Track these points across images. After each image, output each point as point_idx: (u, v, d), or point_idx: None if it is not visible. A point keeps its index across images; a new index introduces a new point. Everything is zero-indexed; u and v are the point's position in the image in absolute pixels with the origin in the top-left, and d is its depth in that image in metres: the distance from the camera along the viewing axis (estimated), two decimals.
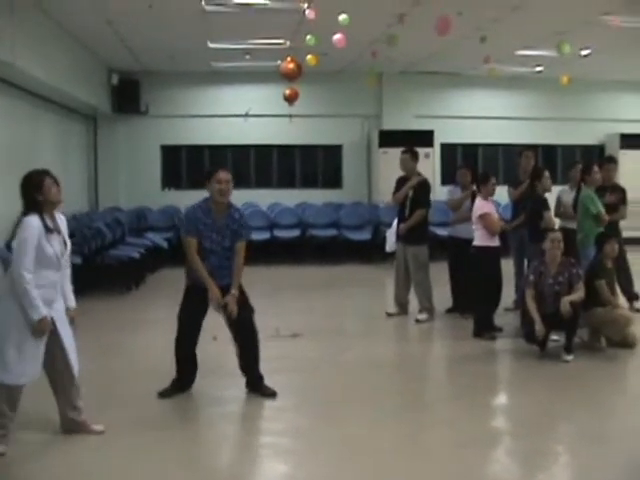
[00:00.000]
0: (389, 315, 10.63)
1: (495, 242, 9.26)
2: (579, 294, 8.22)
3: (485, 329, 9.26)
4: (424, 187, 10.47)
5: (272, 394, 7.04)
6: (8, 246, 9.15)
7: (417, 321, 10.31)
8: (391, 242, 11.27)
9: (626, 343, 8.67)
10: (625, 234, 10.78)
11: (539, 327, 8.10)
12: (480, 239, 9.26)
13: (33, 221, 5.49)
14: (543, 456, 5.68)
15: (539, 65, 16.56)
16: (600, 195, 10.00)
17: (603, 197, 10.10)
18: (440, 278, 10.82)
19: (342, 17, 10.45)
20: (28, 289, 5.41)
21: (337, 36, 10.96)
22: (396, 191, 10.56)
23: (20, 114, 12.81)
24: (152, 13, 11.57)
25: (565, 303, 8.04)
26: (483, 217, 9.16)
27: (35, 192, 5.57)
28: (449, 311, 10.72)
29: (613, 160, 11.10)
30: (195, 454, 5.74)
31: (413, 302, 10.61)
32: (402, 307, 10.69)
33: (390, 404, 7.02)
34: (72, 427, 5.94)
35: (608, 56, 15.32)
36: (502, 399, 7.54)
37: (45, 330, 5.54)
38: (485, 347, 8.96)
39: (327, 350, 8.93)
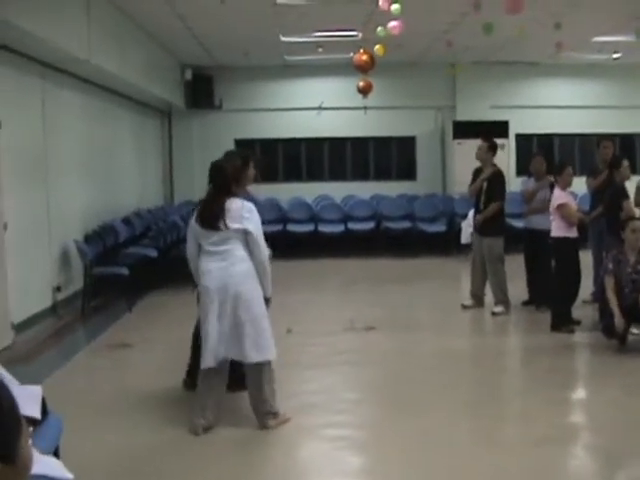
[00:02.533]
0: (464, 307, 10.52)
1: (573, 233, 9.06)
2: None
3: (563, 322, 9.08)
4: (498, 178, 10.33)
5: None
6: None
7: (493, 314, 10.18)
8: (467, 234, 11.18)
9: None
10: None
11: (619, 320, 7.90)
12: (558, 230, 9.08)
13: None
14: (622, 454, 5.54)
15: (616, 52, 16.19)
16: None
17: None
18: (516, 270, 10.68)
19: (395, 7, 10.33)
20: (269, 269, 5.90)
21: (393, 23, 10.81)
22: (472, 182, 10.46)
23: (96, 111, 13.02)
24: (224, 8, 11.59)
25: None
26: (561, 207, 8.98)
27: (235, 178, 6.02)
28: (525, 304, 10.56)
29: None
30: (270, 447, 5.75)
31: (489, 294, 10.48)
32: (478, 299, 10.57)
33: (465, 398, 6.95)
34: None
35: None
36: (580, 394, 7.39)
37: None
38: (562, 341, 8.79)
39: (401, 343, 8.86)
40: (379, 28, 11.49)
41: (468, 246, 11.68)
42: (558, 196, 9.08)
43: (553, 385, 7.23)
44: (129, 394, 7.02)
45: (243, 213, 5.80)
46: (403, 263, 15.34)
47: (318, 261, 15.05)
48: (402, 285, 12.76)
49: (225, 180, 5.91)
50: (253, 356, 5.85)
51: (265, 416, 6.01)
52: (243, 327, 5.79)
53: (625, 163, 9.64)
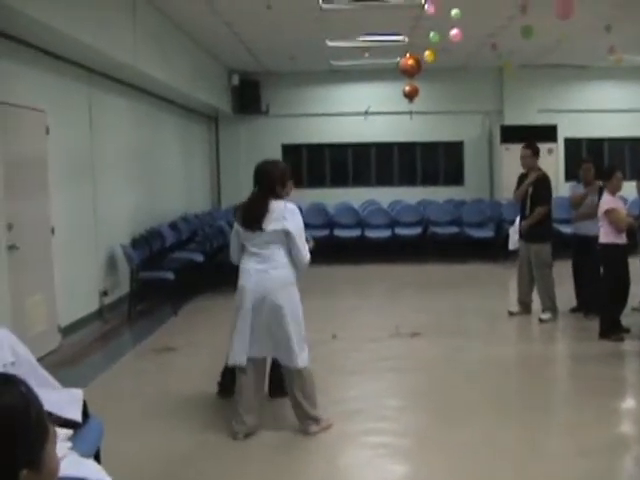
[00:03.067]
0: (511, 314, 10.41)
1: (622, 239, 8.89)
2: None
3: (612, 330, 8.92)
4: (544, 183, 10.21)
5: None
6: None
7: (541, 321, 10.05)
8: (514, 240, 11.03)
9: None
10: None
11: None
12: (606, 236, 8.92)
13: None
14: None
15: None
16: None
17: None
18: (564, 277, 10.54)
19: (454, 11, 10.28)
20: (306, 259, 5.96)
21: (454, 31, 10.79)
22: (517, 188, 10.36)
23: (143, 116, 13.12)
24: (270, 13, 11.61)
25: None
26: (609, 213, 8.82)
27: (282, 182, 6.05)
28: (573, 311, 10.41)
29: None
30: (312, 453, 5.72)
31: (537, 301, 10.35)
32: (525, 306, 10.45)
33: (511, 406, 6.86)
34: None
35: None
36: (629, 404, 7.24)
37: None
38: (611, 348, 8.64)
39: (447, 350, 8.78)
40: (432, 33, 11.43)
41: (515, 252, 11.54)
42: (606, 201, 8.92)
43: (601, 394, 7.09)
44: (172, 398, 7.04)
45: (285, 214, 5.83)
46: (450, 269, 15.24)
47: (364, 266, 15.00)
48: (449, 291, 12.66)
49: (271, 181, 5.96)
50: (285, 360, 5.90)
51: (305, 421, 6.00)
52: (276, 332, 5.84)
53: None
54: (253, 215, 5.87)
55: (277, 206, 5.86)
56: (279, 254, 5.87)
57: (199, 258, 12.02)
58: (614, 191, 9.01)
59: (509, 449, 5.72)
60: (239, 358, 5.90)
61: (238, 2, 11.32)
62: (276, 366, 6.26)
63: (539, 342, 9.60)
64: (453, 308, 11.24)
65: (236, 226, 6.06)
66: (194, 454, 5.67)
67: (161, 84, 12.54)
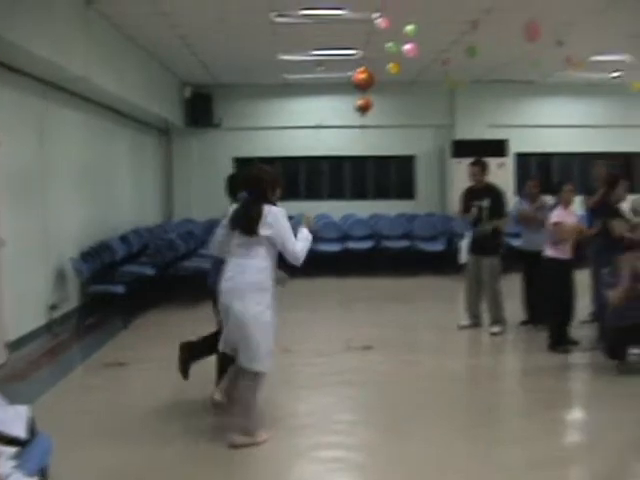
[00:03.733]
0: (462, 327, 10.47)
1: (565, 254, 9.04)
2: None
3: (559, 342, 9.04)
4: (502, 196, 10.41)
5: None
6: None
7: (492, 334, 10.13)
8: (465, 253, 11.10)
9: None
10: None
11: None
12: (550, 250, 9.06)
13: None
14: (624, 478, 5.48)
15: (616, 70, 16.18)
16: None
17: None
18: (513, 290, 10.63)
19: (409, 28, 10.28)
20: (302, 248, 6.08)
21: (408, 46, 10.81)
22: (464, 204, 10.45)
23: (95, 128, 12.99)
24: (223, 26, 11.63)
25: None
26: (553, 226, 8.97)
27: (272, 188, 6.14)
28: (523, 323, 10.52)
29: None
30: (264, 467, 5.69)
31: (486, 314, 10.44)
32: (475, 319, 10.53)
33: (462, 420, 6.89)
34: None
35: None
36: (579, 416, 7.32)
37: None
38: (561, 361, 8.74)
39: (398, 363, 8.81)
40: (389, 44, 11.40)
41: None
42: (556, 214, 9.05)
43: (551, 406, 7.17)
44: (123, 413, 6.96)
45: (268, 219, 5.94)
46: (401, 282, 15.30)
47: (316, 280, 14.93)
48: (400, 304, 12.71)
49: (263, 186, 6.08)
50: (244, 362, 5.99)
51: (238, 431, 6.06)
52: (240, 334, 5.94)
53: (622, 183, 9.64)
54: (249, 221, 5.95)
55: (267, 211, 5.95)
56: (259, 258, 5.97)
57: (150, 271, 11.92)
58: (566, 204, 9.13)
59: (461, 462, 5.74)
60: (221, 346, 6.17)
61: (191, 15, 11.28)
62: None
63: (489, 355, 9.67)
64: (405, 321, 11.27)
65: (224, 224, 6.21)
66: (144, 469, 5.61)
67: (114, 97, 12.44)
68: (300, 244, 6.05)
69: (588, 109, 18.75)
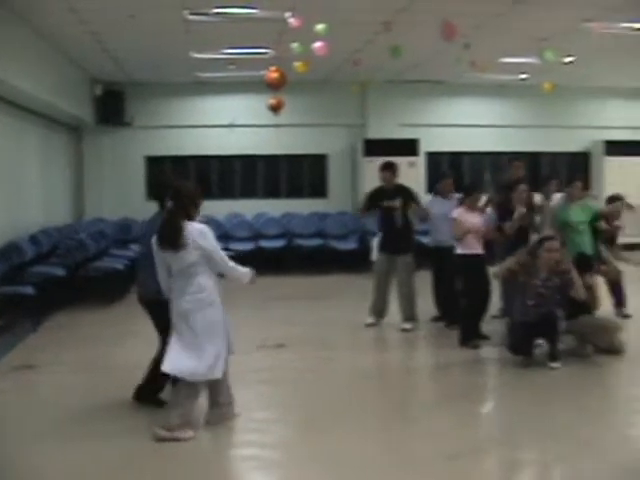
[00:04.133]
0: (368, 325, 10.56)
1: (474, 249, 9.26)
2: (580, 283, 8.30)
3: (469, 338, 9.23)
4: (413, 192, 10.62)
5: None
6: None
7: (404, 330, 10.27)
8: (377, 251, 11.19)
9: (613, 349, 8.65)
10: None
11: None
12: (460, 247, 9.26)
13: None
14: (533, 466, 5.65)
15: (523, 73, 16.57)
16: None
17: None
18: (424, 286, 10.78)
19: (320, 27, 10.33)
20: (232, 266, 6.27)
21: (318, 44, 10.84)
22: (368, 204, 10.59)
23: (3, 126, 12.71)
24: (135, 23, 11.50)
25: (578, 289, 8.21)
26: (452, 220, 9.25)
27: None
28: (435, 320, 10.68)
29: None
30: (177, 466, 5.66)
31: (393, 311, 10.61)
32: (379, 315, 10.65)
33: (376, 415, 6.97)
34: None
35: (592, 63, 15.35)
36: (489, 408, 7.49)
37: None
38: (471, 356, 8.93)
39: (312, 361, 8.88)
40: (295, 44, 11.46)
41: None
42: (457, 211, 9.36)
43: (463, 400, 7.33)
44: (33, 418, 6.83)
45: (198, 234, 6.04)
46: (314, 280, 15.37)
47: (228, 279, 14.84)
48: (313, 302, 12.78)
49: (188, 201, 6.17)
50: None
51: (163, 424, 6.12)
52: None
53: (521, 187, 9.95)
54: (171, 234, 6.01)
55: (191, 227, 6.03)
56: (200, 277, 6.09)
57: (60, 272, 11.71)
58: (471, 206, 9.36)
59: (376, 457, 5.80)
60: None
61: (102, 11, 11.12)
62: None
63: (402, 351, 9.81)
64: (318, 319, 11.32)
65: (158, 252, 6.17)
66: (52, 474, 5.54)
67: (22, 93, 12.18)
68: (238, 267, 6.34)
69: (497, 109, 19.22)
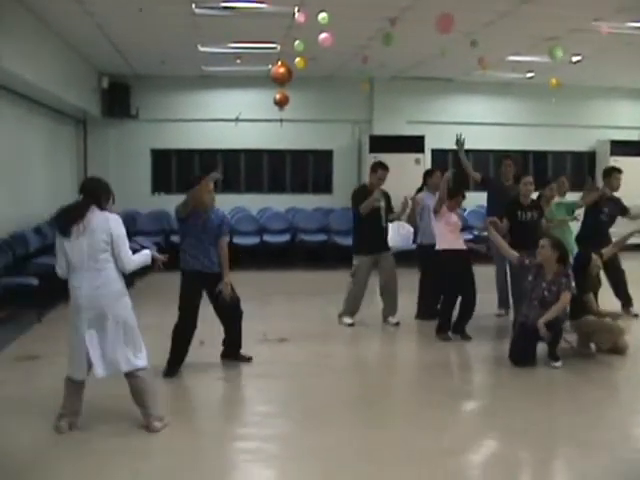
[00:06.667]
0: (351, 325, 10.54)
1: (454, 245, 9.47)
2: (557, 308, 8.17)
3: (442, 329, 9.52)
4: (391, 202, 10.68)
5: (248, 359, 8.38)
6: None
7: (396, 324, 10.42)
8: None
9: (616, 350, 8.66)
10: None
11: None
12: (439, 242, 9.63)
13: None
14: (531, 464, 5.68)
15: (530, 71, 16.56)
16: None
17: None
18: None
19: (321, 16, 10.33)
20: (133, 259, 6.26)
21: (323, 35, 10.84)
22: (361, 200, 10.54)
23: (8, 117, 12.73)
24: (142, 16, 11.52)
25: (541, 326, 8.06)
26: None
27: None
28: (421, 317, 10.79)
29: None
30: (177, 459, 5.68)
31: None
32: (353, 314, 10.66)
33: (375, 410, 6.98)
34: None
35: (599, 62, 15.35)
36: (488, 406, 7.46)
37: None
38: (473, 352, 9.00)
39: (314, 355, 8.91)
40: (297, 42, 11.51)
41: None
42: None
43: (464, 396, 7.46)
44: (36, 409, 6.85)
45: (110, 223, 6.07)
46: (318, 275, 15.38)
47: (232, 273, 14.82)
48: (316, 297, 12.79)
49: (97, 192, 6.23)
50: (128, 366, 6.16)
51: (150, 418, 6.16)
52: (117, 343, 6.10)
53: (525, 179, 9.98)
54: (72, 216, 6.07)
55: (102, 216, 6.06)
56: (109, 268, 6.09)
57: None
58: (451, 207, 9.64)
59: (374, 452, 5.80)
60: (80, 375, 6.19)
61: (110, 3, 11.15)
62: None
63: (404, 347, 9.79)
64: (320, 314, 11.34)
65: (59, 238, 6.16)
66: (53, 465, 5.56)
67: (28, 84, 12.21)
68: (136, 258, 6.33)
69: (503, 108, 19.24)
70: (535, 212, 9.83)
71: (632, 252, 13.30)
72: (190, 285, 7.93)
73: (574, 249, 10.13)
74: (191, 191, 7.94)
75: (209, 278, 7.95)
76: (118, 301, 6.12)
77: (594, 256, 9.10)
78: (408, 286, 10.76)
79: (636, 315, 10.76)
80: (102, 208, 6.14)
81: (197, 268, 7.91)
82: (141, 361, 6.19)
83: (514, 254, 8.82)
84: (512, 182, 10.80)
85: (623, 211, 10.98)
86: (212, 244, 7.99)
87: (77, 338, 6.08)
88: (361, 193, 10.60)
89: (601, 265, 9.28)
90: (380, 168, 10.51)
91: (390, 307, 10.56)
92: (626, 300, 10.90)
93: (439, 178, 10.55)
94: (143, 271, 7.06)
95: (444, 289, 9.71)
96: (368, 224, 10.43)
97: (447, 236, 9.51)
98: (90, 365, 6.09)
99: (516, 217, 9.67)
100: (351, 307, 10.63)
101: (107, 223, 6.03)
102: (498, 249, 9.46)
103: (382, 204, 10.40)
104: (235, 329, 8.35)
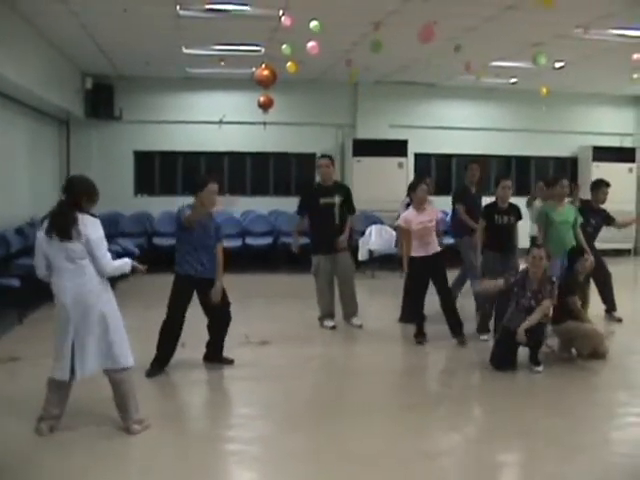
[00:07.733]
0: (332, 328, 10.56)
1: (420, 252, 9.52)
2: (537, 316, 8.21)
3: (416, 332, 9.68)
4: (351, 193, 10.71)
5: (231, 362, 8.40)
6: None
7: (359, 326, 10.51)
8: (364, 251, 11.22)
9: (596, 354, 8.72)
10: (606, 246, 11.03)
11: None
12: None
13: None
14: (513, 466, 5.70)
15: (514, 77, 16.64)
16: None
17: None
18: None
19: (314, 24, 10.40)
20: (112, 263, 6.24)
21: (311, 43, 10.92)
22: (305, 200, 10.76)
23: None
24: (127, 17, 11.50)
25: (521, 333, 8.09)
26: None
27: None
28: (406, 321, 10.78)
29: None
30: (160, 461, 5.68)
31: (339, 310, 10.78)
32: (332, 315, 10.69)
33: (357, 413, 6.98)
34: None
35: (582, 69, 15.44)
36: (471, 410, 7.50)
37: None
38: (456, 356, 9.01)
39: (295, 358, 8.93)
40: (284, 46, 11.52)
41: (364, 263, 11.70)
42: (402, 216, 9.81)
43: (447, 400, 7.48)
44: (17, 411, 6.82)
45: (87, 224, 6.06)
46: (300, 279, 15.30)
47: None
48: (298, 300, 12.77)
49: (79, 194, 6.20)
50: (115, 364, 6.16)
51: (129, 422, 6.16)
52: (103, 338, 6.11)
53: (503, 183, 9.98)
54: (62, 223, 6.02)
55: (81, 218, 6.04)
56: (91, 268, 6.09)
57: None
58: (417, 206, 9.71)
59: (357, 455, 5.82)
60: (62, 375, 6.14)
61: (94, 4, 11.12)
62: None
63: (386, 349, 9.72)
64: (302, 317, 11.33)
65: (40, 237, 6.16)
66: (37, 466, 5.54)
67: (10, 85, 12.15)
68: (116, 263, 6.31)
69: (486, 113, 19.31)
70: (512, 216, 9.88)
71: (613, 257, 13.38)
72: (181, 288, 8.05)
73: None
74: (198, 198, 8.39)
75: (201, 283, 8.06)
76: (102, 297, 6.13)
77: (585, 256, 9.18)
78: (391, 290, 10.77)
79: (620, 319, 10.84)
80: (82, 210, 6.12)
81: (190, 273, 8.01)
82: (126, 359, 6.18)
83: (499, 283, 8.81)
84: (477, 187, 11.07)
85: (609, 220, 11.04)
86: (207, 250, 8.16)
87: (62, 338, 6.08)
88: (304, 195, 11.00)
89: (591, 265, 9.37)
90: (319, 164, 10.64)
91: (349, 308, 10.60)
92: (610, 306, 10.98)
93: (425, 191, 10.48)
94: (123, 276, 7.03)
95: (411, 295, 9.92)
96: (319, 223, 10.48)
97: (415, 243, 9.54)
98: (74, 366, 6.06)
99: (493, 220, 9.75)
100: (324, 307, 10.66)
101: (85, 228, 6.02)
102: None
103: (334, 200, 10.33)
104: (220, 333, 8.42)
